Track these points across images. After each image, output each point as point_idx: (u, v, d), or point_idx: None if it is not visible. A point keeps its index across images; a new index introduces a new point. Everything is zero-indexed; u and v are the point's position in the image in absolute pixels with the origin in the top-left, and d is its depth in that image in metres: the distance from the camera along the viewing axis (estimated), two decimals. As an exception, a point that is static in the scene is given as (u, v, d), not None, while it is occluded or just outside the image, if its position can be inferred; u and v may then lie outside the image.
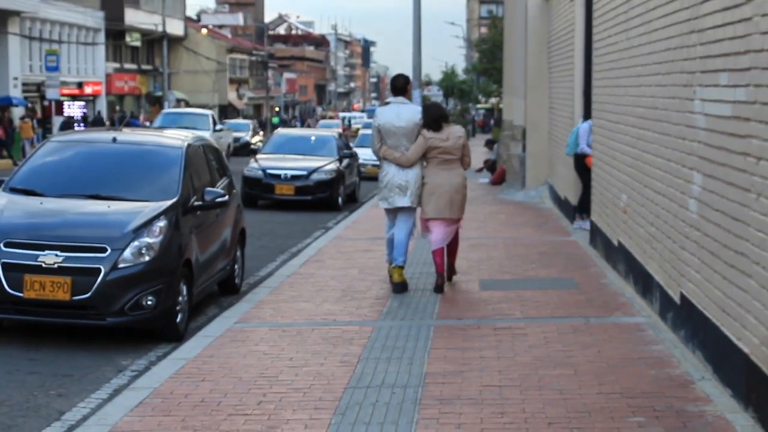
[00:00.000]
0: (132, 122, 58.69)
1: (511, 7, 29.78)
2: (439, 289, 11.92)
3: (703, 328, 8.35)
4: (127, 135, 12.65)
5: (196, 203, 11.03)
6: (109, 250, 9.69)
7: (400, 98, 12.20)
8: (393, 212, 12.25)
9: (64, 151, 11.50)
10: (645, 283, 10.95)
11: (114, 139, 11.62)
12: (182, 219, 10.56)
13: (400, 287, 11.89)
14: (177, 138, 12.02)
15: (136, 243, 9.82)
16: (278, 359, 8.81)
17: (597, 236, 14.86)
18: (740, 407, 7.23)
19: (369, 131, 44.51)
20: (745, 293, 7.20)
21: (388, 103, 12.33)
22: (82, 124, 56.38)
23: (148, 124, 55.67)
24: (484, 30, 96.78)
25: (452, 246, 12.40)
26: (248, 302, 11.59)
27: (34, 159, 11.44)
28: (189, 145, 11.67)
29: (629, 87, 11.99)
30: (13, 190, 10.88)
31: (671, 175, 9.65)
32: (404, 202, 11.99)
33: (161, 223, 10.12)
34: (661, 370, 8.27)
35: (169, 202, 10.51)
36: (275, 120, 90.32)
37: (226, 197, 11.56)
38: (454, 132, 12.05)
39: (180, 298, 10.21)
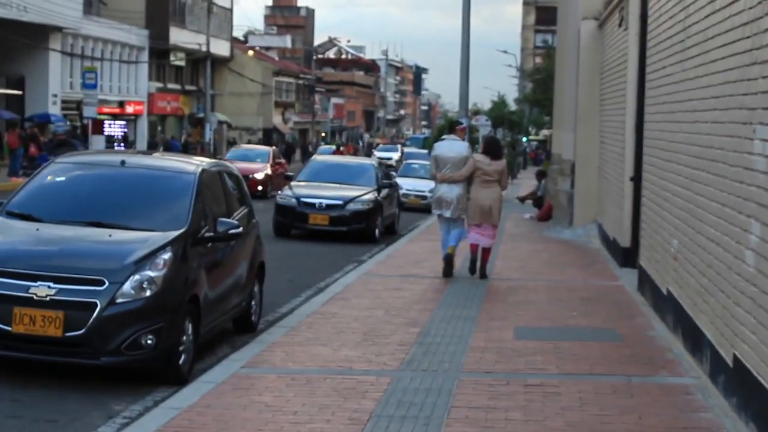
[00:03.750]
0: (172, 144, 58.71)
1: (563, 35, 29.32)
2: (472, 270, 16.46)
3: (758, 397, 7.75)
4: (137, 158, 12.16)
5: (207, 234, 10.54)
6: (107, 283, 9.20)
7: (452, 136, 16.92)
8: (444, 220, 16.66)
9: (68, 174, 11.03)
10: (695, 340, 10.42)
11: (122, 162, 11.11)
12: (191, 251, 10.10)
13: (449, 257, 16.39)
14: (191, 162, 11.52)
15: (137, 276, 9.33)
16: (281, 413, 8.23)
17: (645, 282, 14.33)
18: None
19: (412, 161, 44.36)
20: (808, 363, 6.52)
21: (443, 139, 17.19)
22: (122, 144, 56.38)
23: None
24: (538, 60, 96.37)
25: (485, 252, 16.51)
26: (261, 343, 11.13)
27: (34, 181, 10.94)
28: (203, 171, 11.18)
29: (684, 123, 11.56)
30: (10, 214, 10.39)
31: (726, 222, 9.14)
32: (447, 213, 16.51)
33: (166, 255, 9.62)
34: (709, 442, 7.68)
35: (176, 233, 10.03)
36: (336, 144, 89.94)
37: (240, 229, 11.02)
38: (497, 162, 16.52)
39: (184, 338, 9.71)
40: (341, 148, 61.88)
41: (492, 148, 16.76)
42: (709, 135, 10.02)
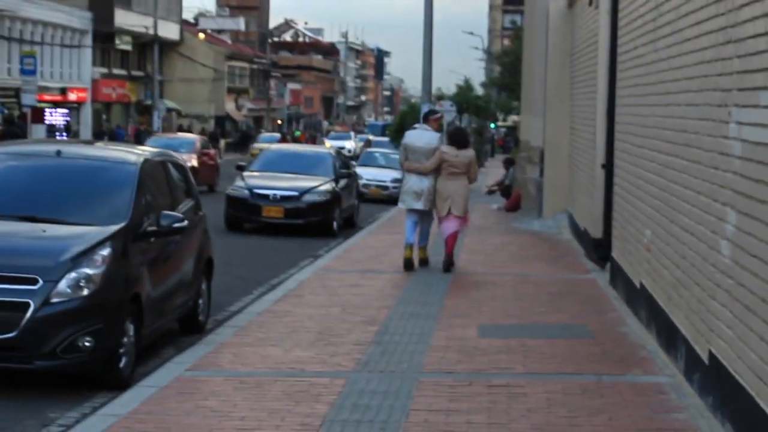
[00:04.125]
0: (118, 133, 58.35)
1: (532, 15, 29.38)
2: (447, 268, 16.45)
3: (735, 396, 7.74)
4: (74, 148, 12.02)
5: (149, 228, 10.46)
6: (41, 282, 9.10)
7: (424, 125, 17.34)
8: (413, 212, 16.90)
9: (-1, 165, 10.82)
10: (669, 336, 10.42)
11: (58, 153, 10.96)
12: (132, 247, 10.01)
13: (407, 263, 16.55)
14: (132, 152, 11.40)
15: (73, 274, 9.23)
16: (227, 418, 8.14)
17: (618, 275, 14.37)
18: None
19: (373, 150, 44.31)
20: (786, 359, 6.51)
21: (415, 128, 17.70)
22: (64, 134, 55.94)
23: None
24: (506, 42, 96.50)
25: (451, 238, 16.67)
26: (208, 344, 11.05)
27: (-37, 174, 10.75)
28: (146, 161, 11.08)
29: (656, 106, 11.57)
30: (-64, 209, 10.19)
31: (701, 211, 9.14)
32: (418, 205, 16.80)
33: (105, 251, 9.52)
34: (684, 445, 7.68)
35: (116, 227, 9.94)
36: (297, 133, 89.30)
37: (185, 222, 10.92)
38: (464, 153, 16.80)
39: (125, 339, 9.61)
40: (288, 138, 57.98)
41: (458, 138, 17.11)
42: (682, 118, 10.01)
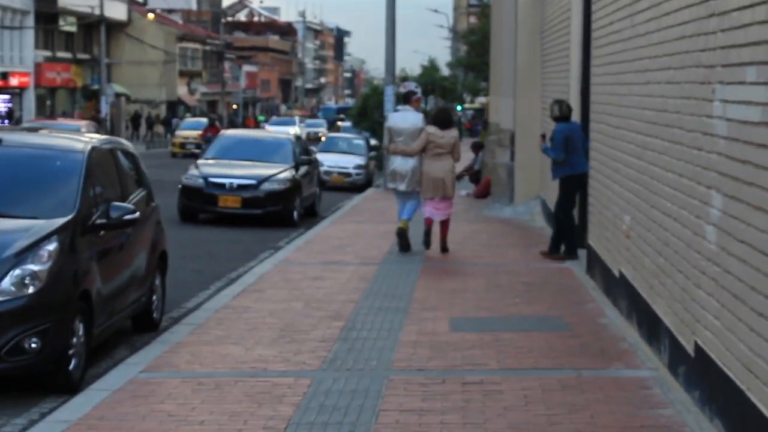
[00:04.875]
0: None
1: (500, -10, 29.26)
2: (426, 244, 17.62)
3: (724, 389, 7.75)
4: (16, 135, 11.86)
5: (99, 221, 10.39)
6: (-18, 280, 8.99)
7: (407, 106, 18.24)
8: (400, 193, 18.03)
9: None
10: (651, 327, 10.43)
11: (-1, 141, 10.80)
12: (80, 241, 9.93)
13: (401, 232, 17.70)
14: (79, 140, 11.29)
15: (17, 271, 9.14)
16: (185, 423, 8.09)
17: (595, 264, 14.44)
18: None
19: (336, 134, 44.26)
20: (778, 350, 6.51)
21: (398, 110, 19.09)
22: (6, 121, 55.61)
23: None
24: (473, 19, 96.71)
25: (444, 225, 17.81)
26: (163, 343, 10.99)
27: None
28: (93, 149, 10.99)
29: (634, 84, 11.56)
30: None
31: (684, 195, 9.14)
32: (403, 187, 17.76)
33: (51, 246, 9.44)
34: (670, 442, 7.68)
35: (63, 220, 9.84)
36: (261, 118, 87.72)
37: (137, 214, 10.83)
38: (449, 133, 17.73)
39: (74, 340, 9.53)
40: (217, 124, 52.00)
41: (442, 119, 18.01)
42: (662, 97, 10.00)
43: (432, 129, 17.63)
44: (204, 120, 56.25)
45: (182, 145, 55.35)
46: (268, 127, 66.03)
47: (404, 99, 18.77)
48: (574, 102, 17.56)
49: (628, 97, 11.94)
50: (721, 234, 7.94)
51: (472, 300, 13.43)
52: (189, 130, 56.42)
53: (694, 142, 8.76)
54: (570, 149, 16.22)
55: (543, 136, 17.30)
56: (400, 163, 17.69)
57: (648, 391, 9.03)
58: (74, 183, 10.32)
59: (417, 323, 11.90)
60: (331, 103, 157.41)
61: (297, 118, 76.41)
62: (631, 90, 11.75)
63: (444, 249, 17.71)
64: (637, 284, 11.23)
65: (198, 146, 47.05)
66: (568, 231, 16.67)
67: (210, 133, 40.26)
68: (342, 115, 74.00)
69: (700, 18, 8.58)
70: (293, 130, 55.04)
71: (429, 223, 17.64)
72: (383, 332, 11.41)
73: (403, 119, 17.87)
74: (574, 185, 16.37)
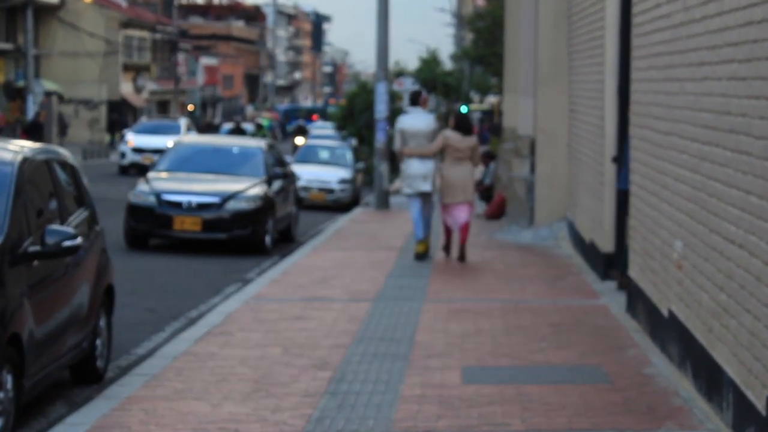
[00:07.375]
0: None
1: (517, -34, 29.43)
2: (446, 250, 21.20)
3: (804, 456, 7.63)
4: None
5: (32, 249, 10.42)
6: None
7: (416, 108, 21.11)
8: (418, 197, 20.67)
9: None
10: (711, 379, 10.51)
11: None
12: (9, 273, 9.92)
13: (421, 256, 20.68)
14: (7, 149, 11.30)
15: (-70, 312, 9.19)
16: (141, 498, 7.99)
17: (638, 300, 14.57)
18: None
19: (314, 142, 44.35)
20: None
21: (407, 112, 21.74)
22: None
23: None
24: (481, 2, 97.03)
25: (463, 230, 20.50)
26: (110, 399, 11.01)
27: None
28: (25, 160, 11.01)
29: (687, 81, 11.68)
30: None
31: (753, 216, 9.21)
32: (426, 187, 20.51)
33: (-27, 279, 9.44)
34: None
35: (-13, 248, 9.83)
36: (266, 123, 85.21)
37: (78, 240, 10.82)
38: (469, 139, 20.65)
39: (1, 395, 9.52)
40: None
41: (463, 125, 20.79)
42: (724, 96, 10.09)
43: (451, 134, 20.45)
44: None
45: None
46: (130, 139, 53.56)
47: (412, 101, 21.56)
48: (610, 103, 17.61)
49: (679, 97, 12.04)
50: (800, 265, 7.96)
51: (488, 345, 13.53)
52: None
53: (764, 151, 8.82)
54: None
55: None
56: (418, 166, 20.45)
57: (709, 457, 9.10)
58: (1, 202, 10.32)
59: (421, 373, 11.98)
60: (308, 102, 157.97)
61: (182, 121, 62.62)
62: (683, 88, 11.85)
63: (462, 257, 20.32)
64: (691, 326, 11.30)
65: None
66: None
67: None
68: (309, 120, 72.82)
69: (772, 0, 8.63)
70: (170, 143, 45.23)
71: (449, 235, 20.93)
72: (380, 385, 11.48)
73: (416, 121, 20.76)
74: None
